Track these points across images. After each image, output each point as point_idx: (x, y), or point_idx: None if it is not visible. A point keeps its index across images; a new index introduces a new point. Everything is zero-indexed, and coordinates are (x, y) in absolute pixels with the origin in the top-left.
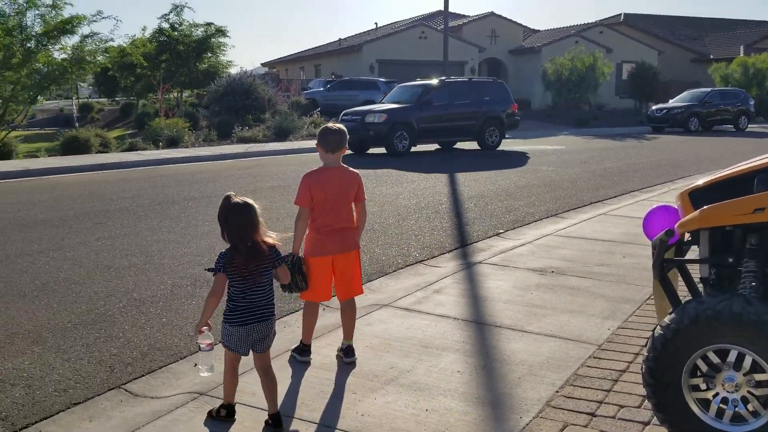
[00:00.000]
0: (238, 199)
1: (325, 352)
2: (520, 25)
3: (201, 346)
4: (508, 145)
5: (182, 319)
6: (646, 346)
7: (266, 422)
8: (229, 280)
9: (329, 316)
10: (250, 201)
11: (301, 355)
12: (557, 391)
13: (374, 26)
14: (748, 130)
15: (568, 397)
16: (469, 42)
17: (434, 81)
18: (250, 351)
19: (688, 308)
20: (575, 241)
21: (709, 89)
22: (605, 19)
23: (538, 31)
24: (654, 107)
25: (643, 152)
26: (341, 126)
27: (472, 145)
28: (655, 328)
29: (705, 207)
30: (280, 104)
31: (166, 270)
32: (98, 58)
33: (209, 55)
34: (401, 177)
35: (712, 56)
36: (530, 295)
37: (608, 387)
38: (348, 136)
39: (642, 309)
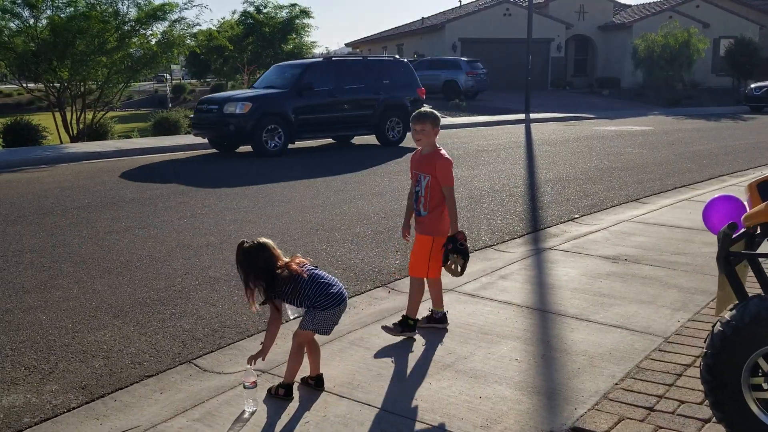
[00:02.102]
0: (250, 243)
1: (384, 335)
2: (611, 0)
3: (245, 384)
4: (595, 124)
5: None
6: (705, 341)
7: (307, 382)
8: (297, 281)
9: (392, 299)
10: (263, 240)
11: (412, 330)
12: (616, 384)
13: (458, 4)
14: None
15: (628, 390)
16: (556, 18)
17: (317, 60)
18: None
19: (750, 305)
20: (653, 228)
21: None
22: None
23: (630, 6)
24: (753, 85)
25: (737, 134)
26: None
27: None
28: (715, 323)
29: None
30: None
31: None
32: (187, 42)
33: (294, 36)
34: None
35: None
36: (599, 284)
37: (671, 381)
38: None
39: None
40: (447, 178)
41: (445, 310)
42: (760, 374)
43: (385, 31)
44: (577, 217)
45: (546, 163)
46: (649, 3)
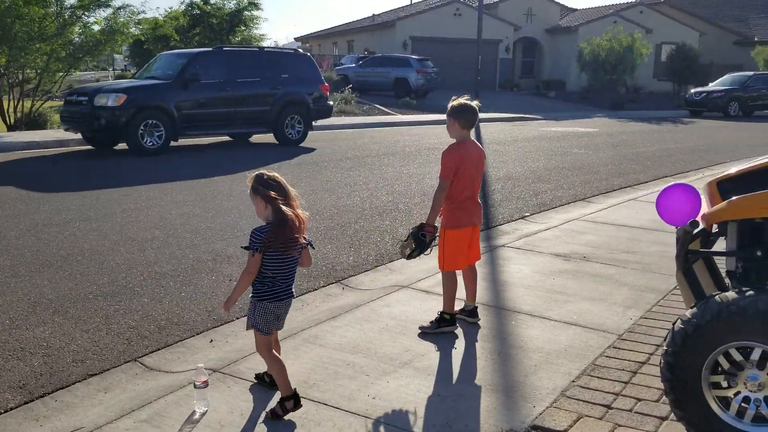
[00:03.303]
0: (271, 174)
1: (339, 332)
2: (557, 3)
3: (196, 383)
4: (542, 125)
5: (201, 294)
6: (665, 339)
7: (263, 378)
8: (265, 257)
9: (346, 296)
10: (279, 177)
11: (452, 324)
12: (573, 381)
13: (408, 2)
14: None
15: (585, 388)
16: (505, 20)
17: (206, 49)
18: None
19: (711, 303)
20: (601, 227)
21: (751, 73)
22: None
23: (576, 10)
24: (693, 90)
25: (679, 137)
26: (477, 103)
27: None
28: (676, 321)
29: (734, 198)
30: None
31: (188, 244)
32: (131, 30)
33: (242, 28)
34: None
35: (756, 38)
36: (552, 281)
37: (626, 379)
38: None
39: (666, 299)
40: (442, 170)
41: (475, 305)
42: (720, 372)
43: (335, 26)
44: (527, 216)
45: (496, 162)
46: (595, 7)
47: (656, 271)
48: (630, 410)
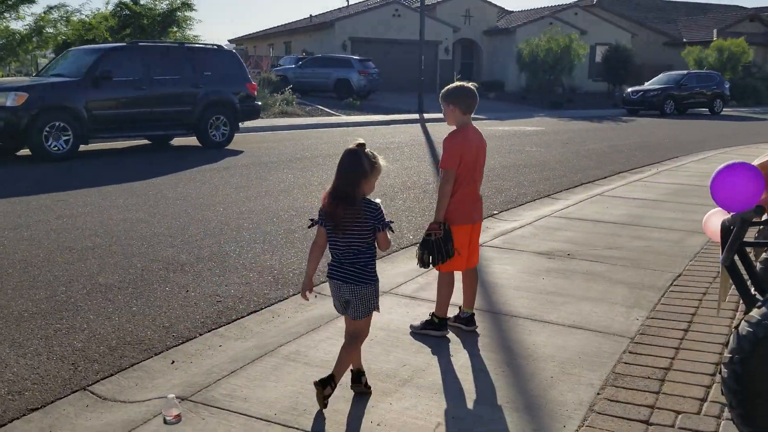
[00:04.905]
0: (365, 151)
1: (324, 347)
2: (494, 5)
3: (166, 418)
4: (488, 125)
5: (155, 308)
6: (727, 345)
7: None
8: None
9: (321, 304)
10: (372, 155)
11: (439, 329)
12: (598, 394)
13: (345, 3)
14: (722, 113)
15: (613, 401)
16: (443, 21)
17: (118, 45)
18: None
19: None
20: (576, 223)
21: (685, 72)
22: (580, 0)
23: (512, 12)
24: (630, 89)
25: (623, 134)
26: (474, 84)
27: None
28: (740, 323)
29: None
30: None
31: (135, 252)
32: (62, 30)
33: (175, 29)
34: None
35: (685, 40)
36: (542, 281)
37: (656, 388)
38: None
39: (668, 297)
40: (443, 159)
41: (472, 312)
42: None
43: (271, 27)
44: (496, 213)
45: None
46: (531, 9)
47: (646, 267)
48: (672, 425)
